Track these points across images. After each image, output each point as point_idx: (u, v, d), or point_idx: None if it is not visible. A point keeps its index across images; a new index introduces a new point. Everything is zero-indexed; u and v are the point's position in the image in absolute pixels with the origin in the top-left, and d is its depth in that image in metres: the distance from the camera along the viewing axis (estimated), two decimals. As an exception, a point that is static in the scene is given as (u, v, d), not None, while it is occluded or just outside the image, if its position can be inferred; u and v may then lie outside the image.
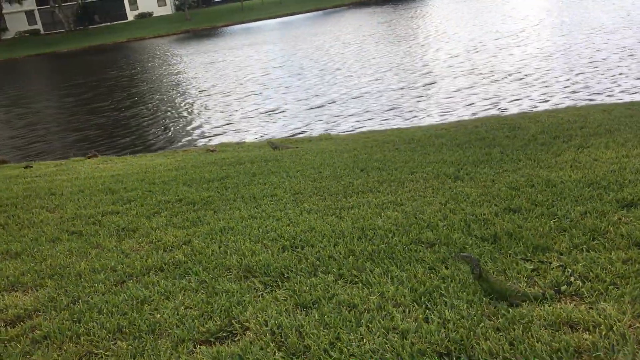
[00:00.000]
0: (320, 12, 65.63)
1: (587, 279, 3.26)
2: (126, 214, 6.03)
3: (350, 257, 3.99)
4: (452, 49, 24.03)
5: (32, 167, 11.46)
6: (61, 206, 6.77)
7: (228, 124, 16.35)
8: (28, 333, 3.53)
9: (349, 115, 15.11)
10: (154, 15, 79.65)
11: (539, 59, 18.84)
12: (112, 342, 3.31)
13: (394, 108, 15.22)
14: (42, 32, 78.11)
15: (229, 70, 28.08)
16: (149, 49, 47.87)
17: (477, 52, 22.24)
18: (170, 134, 16.51)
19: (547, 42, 21.82)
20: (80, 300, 3.89)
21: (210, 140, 14.74)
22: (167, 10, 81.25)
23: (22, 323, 3.68)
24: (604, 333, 2.73)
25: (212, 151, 11.30)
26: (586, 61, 17.09)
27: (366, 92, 17.60)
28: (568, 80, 15.17)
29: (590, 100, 12.85)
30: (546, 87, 14.82)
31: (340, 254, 4.05)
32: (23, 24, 77.38)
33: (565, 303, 3.07)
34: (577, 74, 15.61)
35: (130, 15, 79.89)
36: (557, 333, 2.79)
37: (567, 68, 16.65)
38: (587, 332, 2.78)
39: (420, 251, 3.92)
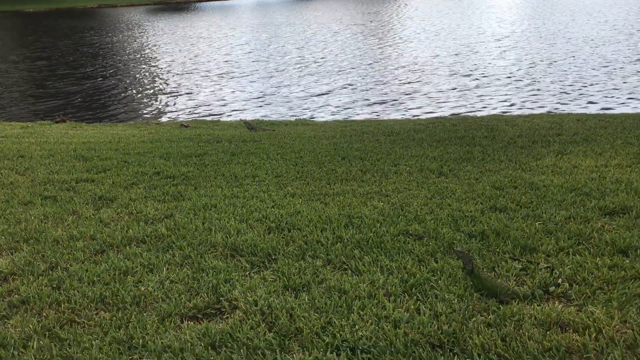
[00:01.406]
0: (298, -3, 65.13)
1: (574, 282, 3.32)
2: (102, 183, 5.87)
3: (338, 243, 3.97)
4: (425, 47, 24.19)
5: (-4, 127, 11.06)
6: (31, 169, 6.56)
7: (208, 104, 15.96)
8: (5, 296, 3.41)
9: (327, 105, 15.06)
10: (127, -17, 77.63)
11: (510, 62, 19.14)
12: (95, 312, 3.21)
13: (367, 100, 15.23)
14: (8, -12, 75.15)
15: (212, 49, 27.27)
16: (125, 18, 46.39)
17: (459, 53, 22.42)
18: (143, 106, 16.16)
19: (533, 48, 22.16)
20: (58, 267, 3.77)
21: (187, 115, 14.48)
22: (141, -21, 79.25)
23: (-3, 286, 3.55)
24: (593, 335, 2.79)
25: (186, 126, 11.11)
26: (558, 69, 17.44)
27: (346, 85, 17.39)
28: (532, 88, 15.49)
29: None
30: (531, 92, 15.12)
31: (328, 239, 4.03)
32: (-12, -22, 74.32)
33: (554, 304, 3.12)
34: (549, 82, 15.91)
35: (102, -19, 77.60)
36: (548, 332, 2.83)
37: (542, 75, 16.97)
38: (576, 334, 2.83)
39: (408, 243, 3.93)
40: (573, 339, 2.77)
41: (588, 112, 11.97)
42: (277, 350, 2.77)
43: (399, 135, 8.53)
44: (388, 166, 6.25)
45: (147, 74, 21.37)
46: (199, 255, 3.87)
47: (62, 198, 5.31)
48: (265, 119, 13.52)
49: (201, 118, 13.77)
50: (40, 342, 2.91)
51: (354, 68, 20.03)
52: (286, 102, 15.57)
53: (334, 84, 17.47)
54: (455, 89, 15.90)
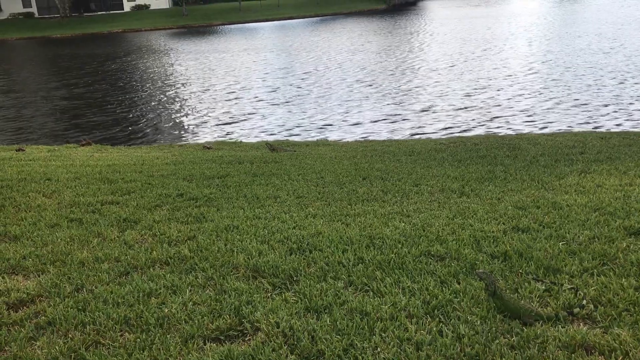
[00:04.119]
0: (318, 18, 65.70)
1: (599, 303, 3.28)
2: (126, 205, 5.96)
3: (360, 264, 3.98)
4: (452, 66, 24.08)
5: (24, 150, 11.31)
6: (58, 192, 6.68)
7: (229, 123, 15.82)
8: (32, 318, 3.47)
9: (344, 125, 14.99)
10: (151, 7, 79.11)
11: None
12: (119, 334, 3.26)
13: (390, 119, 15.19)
14: (36, 15, 77.26)
15: (251, 72, 26.08)
16: (151, 43, 46.58)
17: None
18: (164, 128, 16.35)
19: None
20: (84, 289, 3.83)
21: (206, 137, 14.61)
22: (164, 3, 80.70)
23: (25, 307, 3.62)
24: (620, 359, 2.75)
25: (208, 148, 11.23)
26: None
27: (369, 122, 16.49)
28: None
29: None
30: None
31: (350, 260, 4.04)
32: (18, 5, 76.38)
33: (579, 326, 3.09)
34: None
35: (127, 6, 79.15)
36: (572, 355, 2.80)
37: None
38: (602, 357, 2.79)
39: (430, 264, 3.93)
40: (599, 362, 2.73)
41: (612, 131, 11.83)
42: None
43: (420, 154, 8.53)
44: (409, 186, 6.25)
45: (175, 97, 21.38)
46: (221, 277, 3.90)
47: (88, 220, 5.40)
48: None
49: (222, 139, 13.89)
50: (66, 363, 2.95)
51: (402, 95, 18.67)
52: (351, 128, 14.65)
53: (390, 109, 16.44)
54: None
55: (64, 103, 21.35)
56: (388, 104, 17.19)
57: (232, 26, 63.08)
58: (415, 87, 19.72)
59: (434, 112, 15.73)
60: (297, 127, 15.18)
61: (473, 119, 14.58)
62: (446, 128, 13.88)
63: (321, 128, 14.87)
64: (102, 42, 49.63)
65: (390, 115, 15.79)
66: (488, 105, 15.99)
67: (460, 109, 15.88)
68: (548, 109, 15.12)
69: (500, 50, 27.35)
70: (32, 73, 32.63)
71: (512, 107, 15.54)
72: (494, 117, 14.57)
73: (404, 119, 15.22)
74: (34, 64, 37.29)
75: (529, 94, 17.10)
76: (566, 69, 20.82)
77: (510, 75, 20.36)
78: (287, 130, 14.90)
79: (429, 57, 26.84)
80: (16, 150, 11.10)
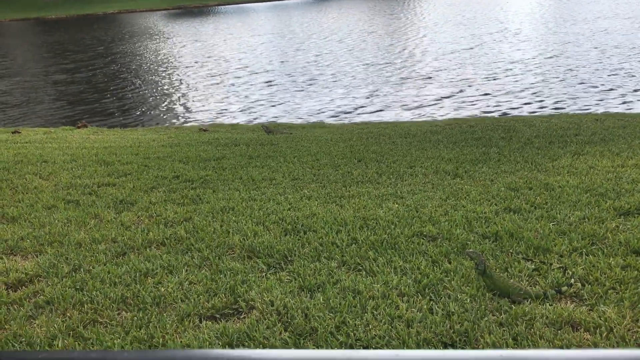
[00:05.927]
0: (313, -1, 65.16)
1: (587, 282, 3.35)
2: (123, 187, 6.01)
3: (353, 245, 4.04)
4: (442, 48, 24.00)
5: (20, 132, 11.31)
6: (55, 174, 6.72)
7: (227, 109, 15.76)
8: (31, 297, 3.53)
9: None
10: (147, -12, 78.43)
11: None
12: (117, 312, 3.32)
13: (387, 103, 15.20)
14: (30, -4, 76.47)
15: (266, 56, 25.25)
16: (149, 25, 45.92)
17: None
18: (161, 110, 16.32)
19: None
20: (81, 269, 3.89)
21: (202, 120, 14.59)
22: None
23: (24, 287, 3.68)
24: (604, 335, 2.82)
25: (204, 130, 11.25)
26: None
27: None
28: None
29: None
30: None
31: (343, 241, 4.10)
32: (11, -14, 75.70)
33: (566, 303, 3.16)
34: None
35: (122, -13, 78.60)
36: (559, 332, 2.87)
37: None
38: (587, 333, 2.86)
39: (422, 244, 3.99)
40: (584, 338, 2.81)
41: (608, 112, 11.85)
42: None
43: (415, 137, 8.57)
44: (404, 168, 6.30)
45: (170, 80, 21.32)
46: (217, 257, 3.96)
47: (85, 202, 5.45)
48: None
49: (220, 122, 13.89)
50: (65, 341, 3.02)
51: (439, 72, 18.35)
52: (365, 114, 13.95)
53: (404, 95, 15.81)
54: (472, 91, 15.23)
55: (63, 87, 21.25)
56: (392, 89, 16.86)
57: (229, 7, 62.50)
58: (426, 72, 19.21)
59: (450, 97, 15.27)
60: (305, 113, 14.85)
61: (490, 104, 14.16)
62: (458, 109, 13.63)
63: (320, 114, 14.63)
64: (98, 24, 49.08)
65: (399, 101, 15.35)
66: (507, 90, 15.46)
67: (479, 93, 15.40)
68: (569, 91, 14.71)
69: (515, 34, 26.71)
70: (33, 56, 32.35)
71: (528, 90, 15.19)
72: (511, 101, 14.20)
73: (417, 105, 14.78)
74: (34, 47, 36.91)
75: (545, 77, 16.68)
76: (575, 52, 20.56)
77: (524, 60, 19.86)
78: (288, 114, 14.70)
79: (439, 41, 26.21)
80: (12, 133, 11.11)
